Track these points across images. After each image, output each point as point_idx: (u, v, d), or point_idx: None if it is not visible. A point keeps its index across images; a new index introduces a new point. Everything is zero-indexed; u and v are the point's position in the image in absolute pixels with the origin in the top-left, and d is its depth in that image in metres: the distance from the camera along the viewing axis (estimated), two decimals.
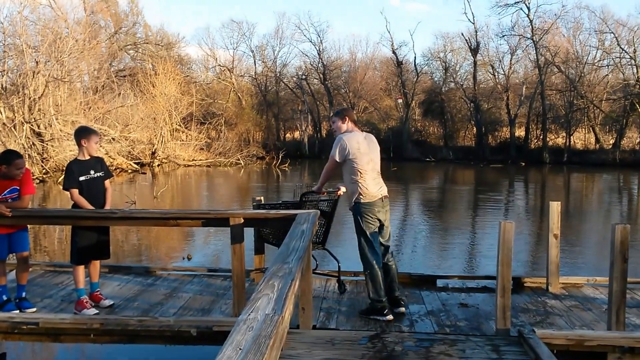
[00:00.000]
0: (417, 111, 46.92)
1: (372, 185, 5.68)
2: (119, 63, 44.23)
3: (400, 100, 46.19)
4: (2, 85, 29.24)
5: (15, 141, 26.62)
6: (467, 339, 4.68)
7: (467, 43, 43.47)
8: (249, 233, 5.72)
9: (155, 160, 33.70)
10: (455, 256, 11.79)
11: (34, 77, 28.31)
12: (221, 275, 6.92)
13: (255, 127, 44.75)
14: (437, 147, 44.26)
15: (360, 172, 5.62)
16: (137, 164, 31.55)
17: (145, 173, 30.18)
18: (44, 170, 26.71)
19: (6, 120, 27.14)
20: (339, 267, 6.53)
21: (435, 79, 47.30)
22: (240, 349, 2.09)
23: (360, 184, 5.63)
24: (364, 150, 5.69)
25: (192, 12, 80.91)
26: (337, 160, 5.69)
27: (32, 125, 27.66)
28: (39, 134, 27.89)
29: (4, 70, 30.11)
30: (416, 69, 45.50)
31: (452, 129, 45.49)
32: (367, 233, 5.66)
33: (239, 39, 50.96)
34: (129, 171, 30.36)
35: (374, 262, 5.63)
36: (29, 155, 26.60)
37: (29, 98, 27.95)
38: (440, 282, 6.92)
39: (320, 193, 6.23)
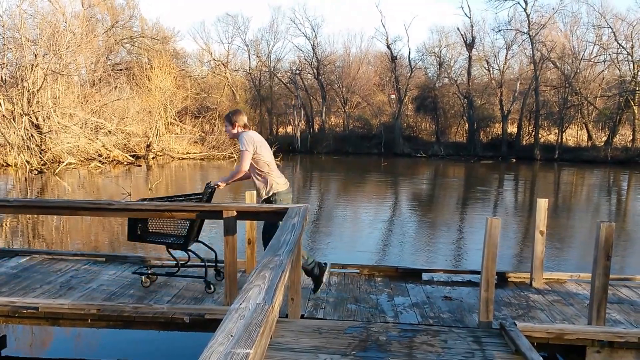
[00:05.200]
0: (410, 107, 46.82)
1: (280, 176, 6.17)
2: (116, 57, 44.26)
3: (393, 96, 46.18)
4: (1, 77, 29.82)
5: (14, 133, 27.15)
6: (450, 330, 4.86)
7: (463, 38, 43.32)
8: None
9: (150, 153, 33.78)
10: (442, 250, 11.96)
11: (32, 70, 28.62)
12: (214, 266, 7.05)
13: (249, 122, 44.71)
14: (428, 142, 44.15)
15: (268, 165, 6.09)
16: (132, 156, 31.66)
17: (140, 165, 30.24)
18: (42, 162, 27.07)
19: (5, 112, 27.61)
20: (215, 256, 6.77)
21: (430, 74, 47.09)
22: (231, 335, 2.20)
23: (271, 176, 6.08)
24: (265, 146, 6.19)
25: (187, 5, 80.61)
26: (250, 151, 6.01)
27: (30, 117, 28.05)
28: (37, 126, 28.35)
29: (3, 63, 30.69)
30: (410, 64, 45.29)
31: (444, 125, 45.44)
32: None
33: (234, 33, 50.96)
34: (125, 163, 30.46)
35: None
36: (27, 146, 26.94)
37: (28, 91, 28.28)
38: (425, 276, 7.07)
39: (219, 186, 6.42)
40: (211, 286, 6.21)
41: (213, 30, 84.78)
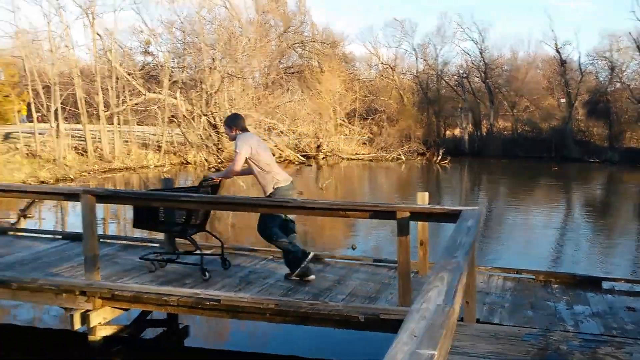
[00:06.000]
0: (581, 111, 44.32)
1: (280, 172, 6.67)
2: (287, 60, 45.75)
3: (563, 100, 44.09)
4: (182, 80, 31.71)
5: (193, 132, 28.99)
6: (635, 343, 4.59)
7: (635, 42, 40.56)
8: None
9: (320, 153, 34.50)
10: (621, 259, 11.27)
11: (210, 73, 30.29)
12: (386, 266, 7.06)
13: (416, 124, 44.24)
14: (601, 148, 41.34)
15: (268, 164, 6.56)
16: (303, 156, 32.46)
17: (310, 165, 31.07)
18: (219, 160, 28.67)
19: (186, 112, 29.50)
20: (222, 246, 7.09)
21: (601, 78, 44.38)
22: (415, 336, 2.21)
23: (272, 173, 6.55)
24: (263, 147, 6.68)
25: (356, 11, 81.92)
26: (244, 154, 6.45)
27: (208, 117, 29.70)
28: (214, 126, 29.85)
29: (184, 67, 33.02)
30: (580, 68, 43.07)
31: (618, 130, 42.52)
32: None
33: (402, 38, 50.67)
34: (296, 163, 31.33)
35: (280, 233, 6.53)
36: (205, 145, 28.69)
37: (206, 92, 29.99)
38: (605, 284, 6.66)
39: (215, 180, 7.02)
40: (206, 273, 6.50)
41: (381, 35, 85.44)
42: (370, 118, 42.59)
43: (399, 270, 5.56)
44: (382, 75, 48.65)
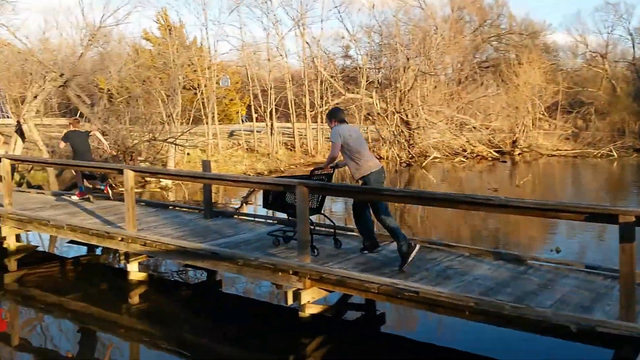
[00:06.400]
0: None
1: (371, 159, 7.14)
2: (482, 54, 44.77)
3: None
4: (378, 80, 33.72)
5: (387, 129, 30.26)
6: None
7: None
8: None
9: (516, 149, 33.24)
10: None
11: (404, 72, 31.14)
12: (601, 274, 6.37)
13: (632, 117, 40.27)
14: None
15: (359, 152, 7.04)
16: (497, 152, 31.55)
17: (505, 161, 29.97)
18: (410, 155, 29.23)
19: (380, 110, 30.64)
20: (334, 226, 8.01)
21: None
22: None
23: (363, 160, 7.02)
24: (355, 137, 7.13)
25: None
26: (337, 142, 7.02)
27: (401, 114, 30.50)
28: (407, 123, 30.83)
29: (380, 67, 34.98)
30: None
31: None
32: None
33: (615, 22, 46.88)
34: (489, 159, 30.47)
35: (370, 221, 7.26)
36: (397, 141, 29.30)
37: (400, 91, 30.81)
38: None
39: (325, 169, 7.59)
40: (315, 250, 7.07)
41: (590, 21, 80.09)
42: (575, 111, 39.90)
43: (621, 280, 4.97)
44: (590, 65, 45.50)
